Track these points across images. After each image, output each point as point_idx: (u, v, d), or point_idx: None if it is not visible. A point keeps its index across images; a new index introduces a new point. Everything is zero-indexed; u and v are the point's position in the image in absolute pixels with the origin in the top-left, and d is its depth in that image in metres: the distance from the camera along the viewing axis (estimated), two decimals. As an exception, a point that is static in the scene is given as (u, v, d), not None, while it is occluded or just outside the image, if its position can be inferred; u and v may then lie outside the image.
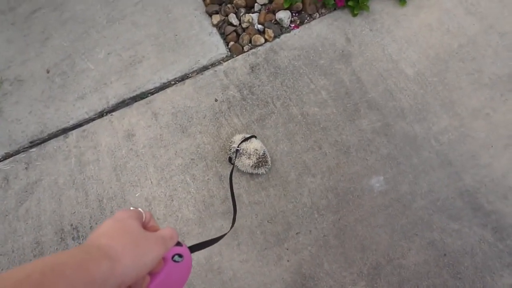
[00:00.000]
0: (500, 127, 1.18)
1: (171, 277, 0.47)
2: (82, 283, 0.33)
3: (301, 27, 1.43)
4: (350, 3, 1.38)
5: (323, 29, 1.41)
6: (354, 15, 1.40)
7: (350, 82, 1.31)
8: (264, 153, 1.19)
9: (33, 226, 1.27)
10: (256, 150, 1.18)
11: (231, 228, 0.81)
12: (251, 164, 1.17)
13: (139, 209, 0.47)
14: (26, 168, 1.36)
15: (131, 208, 0.47)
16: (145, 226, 0.46)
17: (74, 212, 1.27)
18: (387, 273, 1.08)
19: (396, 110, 1.25)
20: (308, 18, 1.44)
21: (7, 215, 1.30)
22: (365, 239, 1.12)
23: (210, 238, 0.61)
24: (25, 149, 1.40)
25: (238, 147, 1.18)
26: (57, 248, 1.23)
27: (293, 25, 1.43)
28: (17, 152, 1.40)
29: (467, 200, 1.12)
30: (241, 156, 1.18)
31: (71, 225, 1.25)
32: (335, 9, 1.43)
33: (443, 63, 1.28)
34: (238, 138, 1.22)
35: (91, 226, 1.24)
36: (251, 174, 1.22)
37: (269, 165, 1.20)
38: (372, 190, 1.17)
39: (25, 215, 1.29)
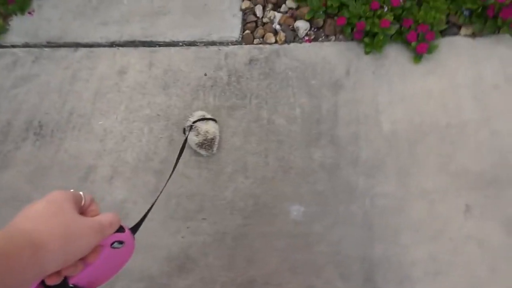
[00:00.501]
0: (434, 217, 1.13)
1: (108, 263, 0.46)
2: (5, 270, 0.32)
3: (312, 43, 1.45)
4: (366, 39, 1.37)
5: (331, 53, 1.42)
6: (366, 52, 1.39)
7: (326, 112, 1.32)
8: (213, 139, 1.26)
9: (13, 109, 1.47)
10: (207, 132, 1.25)
11: (158, 196, 0.78)
12: (195, 142, 1.25)
13: (80, 192, 0.45)
14: (33, 61, 1.57)
15: (71, 190, 0.44)
16: (83, 211, 0.44)
17: (47, 113, 1.45)
18: (256, 292, 1.12)
19: (352, 156, 1.25)
20: (323, 37, 1.46)
21: (0, 91, 1.52)
22: (257, 253, 1.16)
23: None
24: (41, 46, 1.61)
25: (193, 123, 1.26)
26: (19, 135, 1.42)
27: (307, 38, 1.46)
28: (34, 46, 1.61)
29: (365, 268, 1.10)
30: (192, 131, 1.26)
31: (39, 122, 1.44)
32: (352, 39, 1.43)
33: (422, 134, 1.24)
34: (198, 114, 1.29)
35: (52, 131, 1.41)
36: (195, 150, 1.30)
37: (212, 151, 1.27)
38: (288, 215, 1.19)
39: (12, 97, 1.50)
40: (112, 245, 0.45)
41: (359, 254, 1.12)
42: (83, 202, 0.44)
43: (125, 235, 0.46)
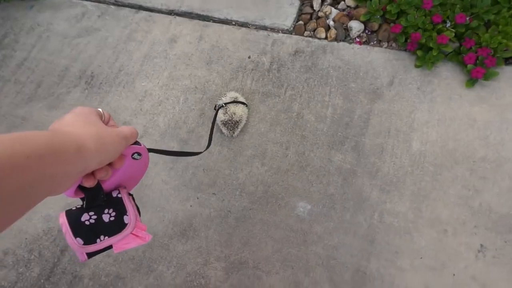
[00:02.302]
0: (445, 249, 1.12)
1: (131, 172, 0.55)
2: (55, 162, 0.36)
3: (362, 46, 1.46)
4: (418, 52, 1.35)
5: (379, 60, 1.42)
6: (416, 66, 1.37)
7: (358, 117, 1.34)
8: (237, 122, 1.33)
9: (72, 56, 1.67)
10: (234, 114, 1.33)
11: (195, 154, 0.82)
12: (221, 119, 1.34)
13: (99, 109, 0.51)
14: (99, 16, 1.75)
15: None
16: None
17: (100, 66, 1.63)
18: (245, 273, 1.19)
19: (372, 167, 1.26)
20: (374, 42, 1.46)
21: (65, 39, 1.72)
22: (254, 238, 1.23)
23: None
24: (109, 3, 1.78)
25: (224, 104, 1.35)
26: (72, 81, 1.61)
27: (358, 40, 1.47)
28: (103, 2, 1.79)
29: (356, 279, 1.13)
30: (221, 109, 1.35)
31: (92, 73, 1.62)
32: (404, 50, 1.41)
33: (452, 161, 1.22)
34: (232, 94, 1.38)
35: (100, 83, 1.59)
36: (221, 128, 1.38)
37: (233, 133, 1.34)
38: (293, 209, 1.25)
39: (74, 45, 1.69)
40: (133, 156, 0.52)
41: (353, 264, 1.15)
42: (103, 118, 0.51)
43: (142, 148, 0.53)
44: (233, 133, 1.34)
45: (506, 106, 1.27)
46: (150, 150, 0.58)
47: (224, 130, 1.34)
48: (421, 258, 1.13)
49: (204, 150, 0.89)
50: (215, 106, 1.39)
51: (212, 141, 1.39)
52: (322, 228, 1.21)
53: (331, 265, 1.17)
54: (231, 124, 1.32)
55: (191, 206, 1.31)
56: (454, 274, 1.10)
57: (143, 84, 1.56)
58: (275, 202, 1.27)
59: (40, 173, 0.34)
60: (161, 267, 1.23)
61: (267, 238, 1.23)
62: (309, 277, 1.16)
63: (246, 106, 1.39)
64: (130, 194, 0.58)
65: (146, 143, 1.44)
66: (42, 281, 1.26)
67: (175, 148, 1.41)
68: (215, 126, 1.37)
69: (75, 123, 0.44)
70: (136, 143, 0.53)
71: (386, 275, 1.13)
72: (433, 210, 1.17)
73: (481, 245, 1.12)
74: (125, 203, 0.55)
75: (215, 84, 1.50)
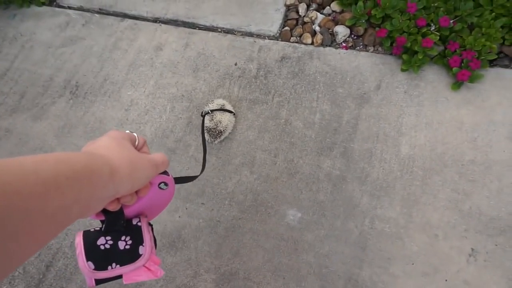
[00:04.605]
0: (437, 254, 1.09)
1: (155, 201, 0.53)
2: (90, 185, 0.36)
3: (349, 50, 1.43)
4: (404, 56, 1.33)
5: (366, 64, 1.39)
6: (402, 70, 1.35)
7: (346, 123, 1.31)
8: (221, 131, 1.29)
9: (57, 66, 1.61)
10: (220, 122, 1.29)
11: (200, 172, 0.85)
12: (206, 125, 1.30)
13: (134, 133, 0.51)
14: (83, 24, 1.70)
15: (127, 131, 0.50)
16: (137, 150, 0.49)
17: (85, 76, 1.57)
18: (236, 285, 1.15)
19: (362, 173, 1.23)
20: (361, 46, 1.43)
21: (50, 48, 1.66)
22: (244, 248, 1.19)
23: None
24: (93, 11, 1.73)
25: (211, 111, 1.31)
26: (57, 91, 1.55)
27: (344, 44, 1.44)
28: (87, 10, 1.74)
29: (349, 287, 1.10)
30: (207, 115, 1.31)
31: (76, 82, 1.56)
32: (390, 54, 1.39)
33: (441, 165, 1.20)
34: (219, 102, 1.34)
35: (85, 93, 1.53)
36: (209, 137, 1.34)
37: (215, 141, 1.30)
38: (283, 217, 1.21)
39: (58, 55, 1.64)
40: (159, 185, 0.51)
41: (345, 272, 1.12)
42: (136, 143, 0.49)
43: (169, 179, 0.52)
44: (215, 140, 1.30)
45: (492, 108, 1.25)
46: (176, 178, 0.56)
47: (207, 136, 1.30)
48: (413, 264, 1.10)
49: (201, 173, 0.86)
50: (202, 113, 1.35)
51: (200, 150, 1.35)
52: (313, 236, 1.18)
53: (323, 273, 1.13)
54: (215, 133, 1.28)
55: (179, 217, 1.27)
56: (446, 280, 1.07)
57: (129, 93, 1.51)
58: (265, 211, 1.23)
59: (77, 195, 0.34)
60: (149, 281, 1.18)
61: (258, 248, 1.19)
62: (300, 287, 1.12)
63: (233, 114, 1.35)
64: (150, 224, 0.56)
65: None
66: (27, 298, 1.20)
67: (163, 157, 1.36)
68: (200, 132, 1.33)
69: (109, 146, 0.43)
70: (165, 172, 0.52)
71: (379, 282, 1.09)
72: (423, 215, 1.15)
73: (472, 249, 1.10)
74: (143, 233, 0.52)
75: (202, 92, 1.46)
